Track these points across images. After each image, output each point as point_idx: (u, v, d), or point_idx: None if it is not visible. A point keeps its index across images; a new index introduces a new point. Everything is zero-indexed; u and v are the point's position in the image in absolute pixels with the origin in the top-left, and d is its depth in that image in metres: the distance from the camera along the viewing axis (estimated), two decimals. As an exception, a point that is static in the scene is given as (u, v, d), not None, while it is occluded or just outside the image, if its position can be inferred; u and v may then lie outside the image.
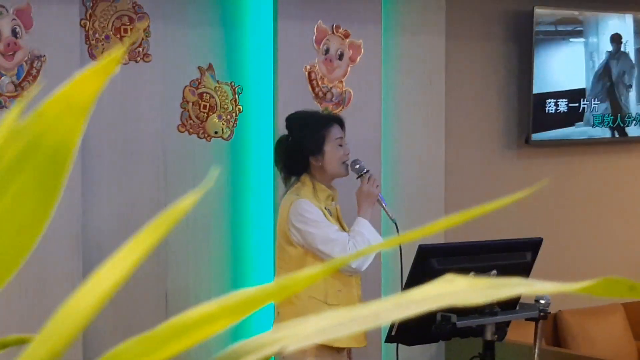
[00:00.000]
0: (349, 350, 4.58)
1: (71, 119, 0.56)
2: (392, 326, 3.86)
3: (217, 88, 5.08)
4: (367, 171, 4.47)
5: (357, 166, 4.46)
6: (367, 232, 4.32)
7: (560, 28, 6.33)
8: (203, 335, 0.64)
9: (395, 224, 4.37)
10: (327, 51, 5.28)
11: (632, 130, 6.75)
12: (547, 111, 6.26)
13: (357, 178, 4.49)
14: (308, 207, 4.26)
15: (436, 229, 0.71)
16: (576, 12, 6.42)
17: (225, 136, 5.12)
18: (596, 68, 6.53)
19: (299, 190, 4.33)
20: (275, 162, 4.53)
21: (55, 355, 0.53)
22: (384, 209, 4.47)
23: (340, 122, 4.46)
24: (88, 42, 4.68)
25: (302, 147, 4.36)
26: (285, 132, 4.49)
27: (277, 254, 4.50)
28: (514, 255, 4.12)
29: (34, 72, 4.48)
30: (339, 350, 4.40)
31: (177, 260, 4.97)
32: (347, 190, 4.61)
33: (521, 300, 4.20)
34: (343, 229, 4.42)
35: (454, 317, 3.93)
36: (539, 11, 6.16)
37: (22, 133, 0.56)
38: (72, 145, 0.57)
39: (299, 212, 4.27)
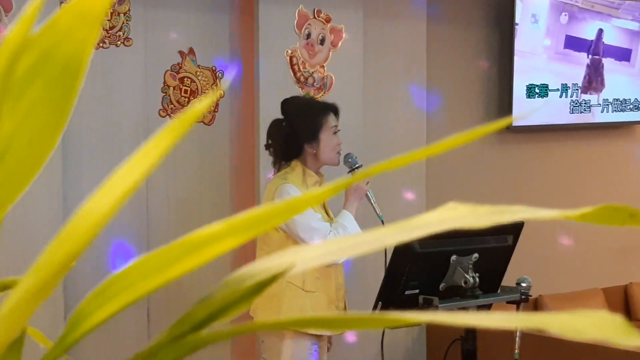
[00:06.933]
0: (330, 337, 4.56)
1: (84, 30, 0.56)
2: (375, 307, 3.86)
3: (198, 72, 5.07)
4: (360, 166, 4.47)
5: (350, 160, 4.47)
6: (349, 225, 4.30)
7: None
8: (212, 253, 0.65)
9: (382, 220, 4.35)
10: (308, 36, 5.27)
11: (610, 116, 6.79)
12: (527, 97, 6.29)
13: (348, 172, 4.48)
14: (293, 193, 4.22)
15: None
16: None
17: (207, 121, 5.11)
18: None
19: (287, 175, 4.31)
20: (266, 145, 4.44)
21: (73, 255, 0.53)
22: (372, 205, 4.43)
23: (335, 111, 4.45)
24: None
25: (297, 133, 4.33)
26: (276, 116, 4.41)
27: (259, 236, 4.44)
28: (496, 239, 4.13)
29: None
30: (316, 337, 4.37)
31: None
32: (335, 176, 4.57)
33: (503, 284, 4.21)
34: (328, 215, 4.42)
35: (436, 300, 3.94)
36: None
37: (35, 44, 0.56)
38: (85, 57, 0.57)
39: (284, 197, 4.25)
